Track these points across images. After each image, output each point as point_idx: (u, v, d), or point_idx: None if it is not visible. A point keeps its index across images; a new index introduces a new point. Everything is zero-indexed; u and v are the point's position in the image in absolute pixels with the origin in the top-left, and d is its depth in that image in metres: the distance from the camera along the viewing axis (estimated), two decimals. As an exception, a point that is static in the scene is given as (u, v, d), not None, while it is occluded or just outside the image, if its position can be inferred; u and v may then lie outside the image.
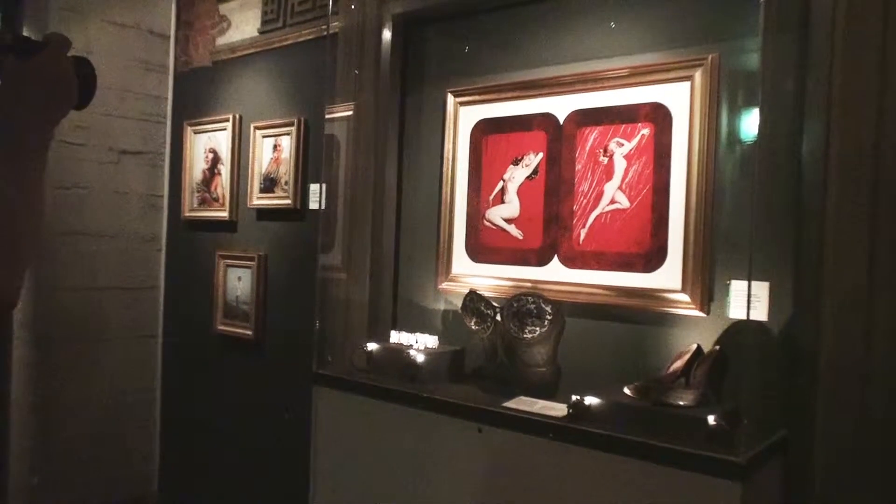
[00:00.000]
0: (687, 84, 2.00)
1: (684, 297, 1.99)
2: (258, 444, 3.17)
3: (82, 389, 3.46)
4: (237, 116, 3.30)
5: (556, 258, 2.26)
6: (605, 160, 2.16)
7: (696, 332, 1.96)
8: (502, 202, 2.40)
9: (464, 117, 2.51)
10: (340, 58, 2.69)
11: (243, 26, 3.35)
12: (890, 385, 1.62)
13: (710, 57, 1.95)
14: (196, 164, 3.51)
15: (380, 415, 2.16)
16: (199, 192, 3.50)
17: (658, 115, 2.06)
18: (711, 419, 1.61)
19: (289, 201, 3.01)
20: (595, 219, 2.17)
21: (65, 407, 3.40)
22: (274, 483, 3.09)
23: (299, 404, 2.62)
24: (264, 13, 3.23)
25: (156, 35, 3.69)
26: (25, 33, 3.21)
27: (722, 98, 1.95)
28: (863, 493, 1.65)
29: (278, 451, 3.06)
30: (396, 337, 2.39)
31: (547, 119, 2.29)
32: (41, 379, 3.30)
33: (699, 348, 1.88)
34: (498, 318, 2.12)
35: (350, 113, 2.72)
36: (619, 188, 2.12)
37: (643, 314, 2.08)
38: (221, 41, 3.45)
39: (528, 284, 2.28)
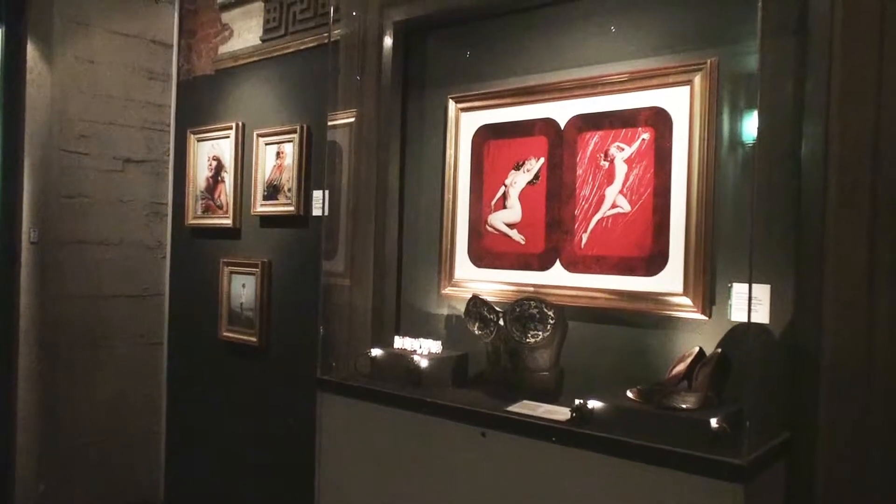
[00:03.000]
0: (687, 88, 2.01)
1: (686, 301, 2.00)
2: (263, 449, 3.18)
3: (88, 396, 3.48)
4: (240, 124, 3.32)
5: (558, 262, 2.27)
6: (606, 164, 2.17)
7: (698, 335, 1.96)
8: (504, 207, 2.41)
9: (465, 123, 2.53)
10: (342, 65, 2.71)
11: (245, 34, 3.37)
12: (892, 386, 1.62)
13: (709, 61, 1.96)
14: (200, 172, 3.53)
15: (384, 420, 2.17)
16: (202, 199, 3.51)
17: (658, 120, 2.07)
18: (714, 422, 1.61)
19: (292, 208, 3.03)
20: (596, 223, 2.18)
21: (71, 414, 3.41)
22: (279, 488, 3.10)
23: (304, 410, 2.63)
24: (266, 21, 3.25)
25: (159, 44, 3.71)
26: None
27: (722, 102, 1.96)
28: (865, 495, 1.65)
29: (283, 456, 3.07)
30: (400, 342, 2.40)
31: (548, 124, 2.31)
32: (47, 386, 3.32)
33: (701, 351, 1.89)
34: (501, 322, 2.12)
35: (352, 120, 2.74)
36: (620, 192, 2.13)
37: (645, 318, 2.08)
38: (224, 49, 3.48)
39: (531, 289, 2.29)
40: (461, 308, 2.35)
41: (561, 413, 1.87)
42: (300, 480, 2.84)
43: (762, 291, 1.77)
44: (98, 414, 3.51)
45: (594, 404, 1.79)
